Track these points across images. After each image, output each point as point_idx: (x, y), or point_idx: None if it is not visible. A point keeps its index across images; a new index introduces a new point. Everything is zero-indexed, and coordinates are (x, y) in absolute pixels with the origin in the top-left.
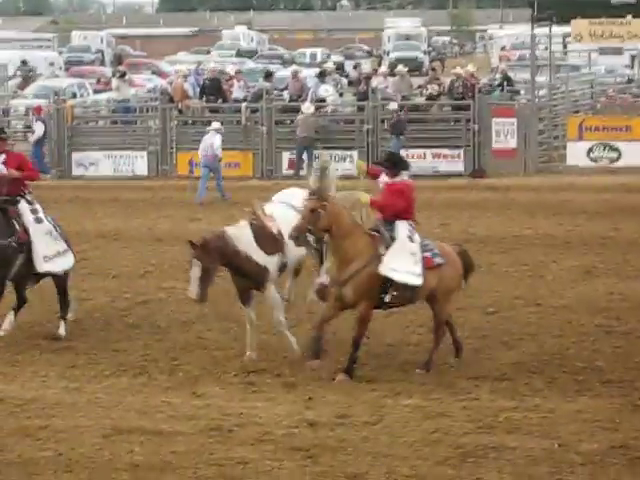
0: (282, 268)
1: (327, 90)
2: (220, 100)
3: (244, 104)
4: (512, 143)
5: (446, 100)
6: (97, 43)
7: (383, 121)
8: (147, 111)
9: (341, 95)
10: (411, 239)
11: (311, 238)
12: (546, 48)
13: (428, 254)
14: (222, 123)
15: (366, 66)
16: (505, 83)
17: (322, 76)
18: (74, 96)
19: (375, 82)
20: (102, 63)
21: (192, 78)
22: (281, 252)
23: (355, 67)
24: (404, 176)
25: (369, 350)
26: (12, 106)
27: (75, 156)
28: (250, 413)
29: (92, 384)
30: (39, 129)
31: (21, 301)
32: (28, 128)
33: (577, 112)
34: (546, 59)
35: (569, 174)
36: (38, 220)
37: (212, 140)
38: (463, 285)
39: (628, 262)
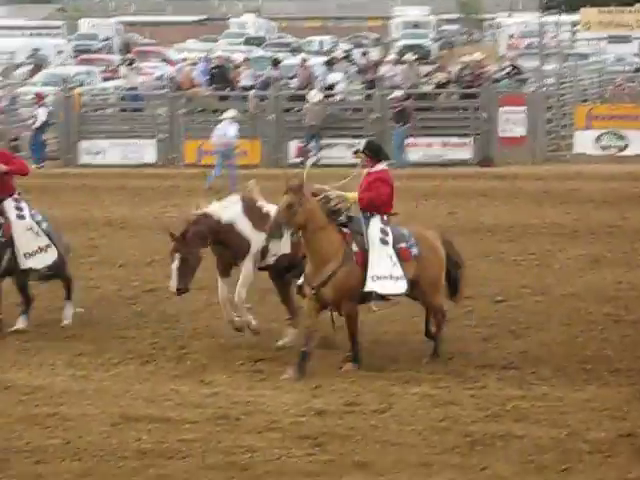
0: (263, 254)
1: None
2: (228, 88)
3: (252, 92)
4: (520, 132)
5: (454, 88)
6: (105, 31)
7: (391, 109)
8: (155, 99)
9: (349, 82)
10: (384, 241)
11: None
12: (554, 36)
13: (403, 245)
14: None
15: (374, 54)
16: (513, 71)
17: (330, 64)
18: (82, 84)
19: (383, 70)
20: (110, 51)
21: (201, 66)
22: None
23: (363, 55)
24: (384, 164)
25: (377, 339)
26: (21, 94)
27: (83, 144)
28: (258, 401)
29: (100, 372)
30: (42, 115)
31: (28, 300)
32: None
33: (585, 101)
34: (554, 47)
35: (577, 163)
36: (20, 217)
37: (225, 129)
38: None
39: (636, 251)
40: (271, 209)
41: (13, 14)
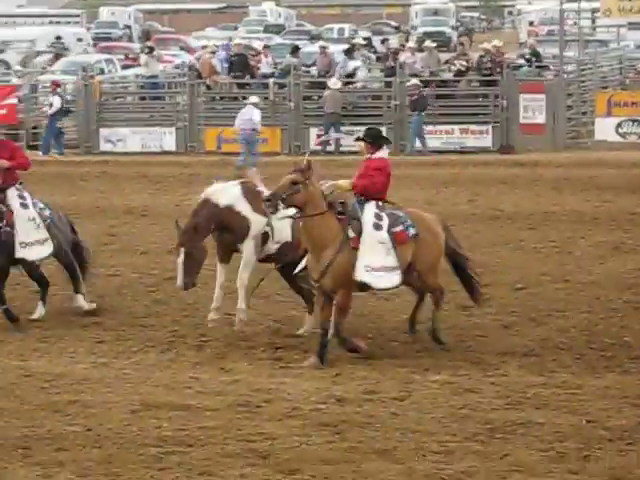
0: (264, 239)
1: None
2: (248, 76)
3: (272, 80)
4: (540, 119)
5: (474, 75)
6: (125, 19)
7: (409, 97)
8: (175, 87)
9: (369, 71)
10: (377, 226)
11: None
12: (575, 23)
13: (399, 228)
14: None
15: (394, 41)
16: (533, 59)
17: (350, 52)
18: (102, 72)
19: (403, 57)
20: (130, 39)
21: (221, 54)
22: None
23: (383, 42)
24: (384, 152)
25: (397, 327)
26: (40, 82)
27: (103, 132)
28: (278, 389)
29: (120, 360)
30: (56, 103)
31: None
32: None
33: (606, 87)
34: (575, 34)
35: (597, 150)
36: (23, 205)
37: (250, 114)
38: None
39: None
40: None
41: (33, 2)
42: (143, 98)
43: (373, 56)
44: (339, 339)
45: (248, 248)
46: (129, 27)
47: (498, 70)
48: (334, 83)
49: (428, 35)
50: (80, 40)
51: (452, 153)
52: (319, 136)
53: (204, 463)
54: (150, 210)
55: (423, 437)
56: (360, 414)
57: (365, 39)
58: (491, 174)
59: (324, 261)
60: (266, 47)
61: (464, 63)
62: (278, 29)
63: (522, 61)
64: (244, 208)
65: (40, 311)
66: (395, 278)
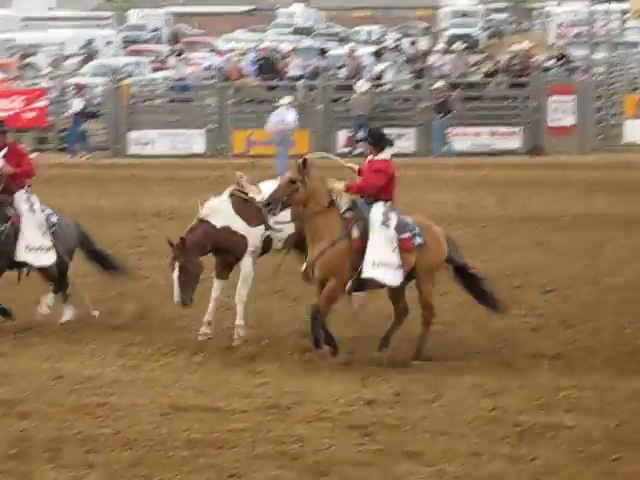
0: (266, 244)
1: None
2: (276, 78)
3: (300, 82)
4: (569, 121)
5: (503, 77)
6: (154, 21)
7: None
8: (204, 89)
9: (398, 73)
10: (386, 224)
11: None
12: (604, 25)
13: (407, 235)
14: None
15: (423, 43)
16: (563, 60)
17: (378, 54)
18: (131, 75)
19: (432, 60)
20: (159, 41)
21: (251, 56)
22: (264, 224)
23: (412, 44)
24: (387, 153)
25: None
26: (70, 85)
27: (132, 135)
28: (307, 391)
29: (150, 362)
30: (76, 106)
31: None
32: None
33: (635, 89)
34: (604, 36)
35: (626, 152)
36: (32, 210)
37: (284, 115)
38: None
39: None
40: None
41: (62, 5)
42: (172, 101)
43: (402, 58)
44: (313, 324)
45: (246, 264)
46: (158, 30)
47: (527, 72)
48: (361, 86)
49: (457, 37)
50: (110, 43)
51: (481, 155)
52: (349, 138)
53: (233, 465)
54: (179, 213)
55: (453, 439)
56: (390, 416)
57: (395, 41)
58: (520, 176)
59: (319, 248)
60: (295, 49)
61: (493, 65)
62: (307, 31)
63: (551, 63)
64: (240, 226)
65: (69, 314)
66: (398, 276)
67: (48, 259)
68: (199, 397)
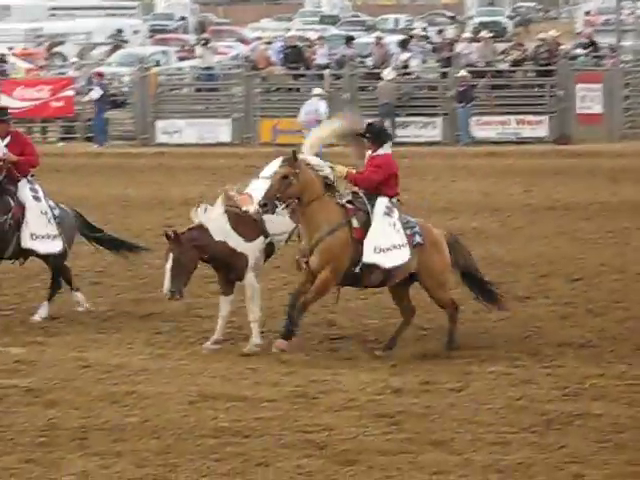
0: (269, 250)
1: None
2: (303, 67)
3: (327, 71)
4: (597, 109)
5: (530, 66)
6: (181, 10)
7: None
8: (230, 78)
9: (424, 62)
10: (389, 214)
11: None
12: (632, 12)
13: (408, 232)
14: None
15: (449, 32)
16: (590, 48)
17: (405, 43)
18: (158, 64)
19: (459, 48)
20: (186, 30)
21: (277, 45)
22: (262, 235)
23: (439, 33)
24: (387, 148)
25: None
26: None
27: (159, 124)
28: (335, 380)
29: (177, 351)
30: (94, 94)
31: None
32: (112, 95)
33: None
34: (632, 24)
35: None
36: (36, 198)
37: (315, 106)
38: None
39: None
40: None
41: None
42: (199, 90)
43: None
44: (292, 313)
45: (250, 281)
46: (185, 19)
47: (554, 60)
48: (387, 74)
49: (484, 25)
50: (137, 32)
51: (508, 144)
52: None
53: (261, 454)
54: (206, 201)
55: (480, 428)
56: (417, 405)
57: (423, 29)
58: (547, 164)
59: (316, 237)
60: (321, 38)
61: (520, 53)
62: (333, 20)
63: (579, 51)
64: (237, 243)
65: (43, 312)
66: (405, 253)
67: (54, 246)
68: (226, 386)
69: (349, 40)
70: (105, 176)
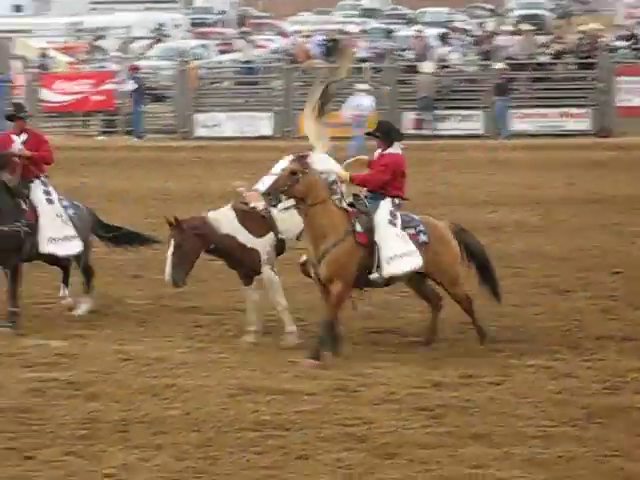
0: (280, 247)
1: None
2: None
3: (367, 64)
4: (638, 102)
5: (571, 58)
6: (220, 4)
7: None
8: (270, 72)
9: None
10: (392, 222)
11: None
12: None
13: (412, 231)
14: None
15: (490, 25)
16: (631, 41)
17: (445, 36)
18: (198, 57)
19: (499, 41)
20: (225, 24)
21: (317, 38)
22: (272, 231)
23: (479, 26)
24: (396, 147)
25: (494, 310)
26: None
27: (199, 117)
28: (375, 373)
29: (217, 344)
30: (128, 86)
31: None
32: (152, 89)
33: None
34: None
35: None
36: (49, 201)
37: (358, 101)
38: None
39: None
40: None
41: None
42: (239, 83)
43: (468, 40)
44: (324, 337)
45: (267, 274)
46: (225, 12)
47: (595, 53)
48: (426, 67)
49: (524, 18)
50: (178, 26)
51: (548, 136)
52: (418, 121)
53: (301, 447)
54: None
55: (520, 422)
56: (457, 398)
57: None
58: (588, 157)
59: (324, 247)
60: (361, 31)
61: (561, 46)
62: (373, 13)
63: (619, 43)
64: (247, 238)
65: (84, 305)
66: (417, 260)
67: (73, 247)
68: (266, 379)
69: (388, 34)
70: (145, 169)
